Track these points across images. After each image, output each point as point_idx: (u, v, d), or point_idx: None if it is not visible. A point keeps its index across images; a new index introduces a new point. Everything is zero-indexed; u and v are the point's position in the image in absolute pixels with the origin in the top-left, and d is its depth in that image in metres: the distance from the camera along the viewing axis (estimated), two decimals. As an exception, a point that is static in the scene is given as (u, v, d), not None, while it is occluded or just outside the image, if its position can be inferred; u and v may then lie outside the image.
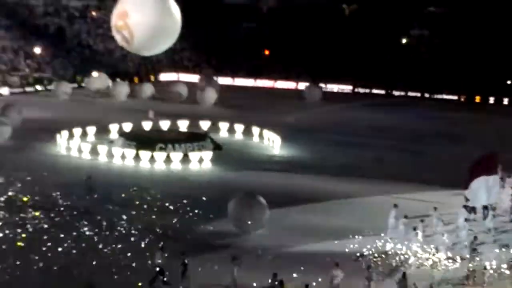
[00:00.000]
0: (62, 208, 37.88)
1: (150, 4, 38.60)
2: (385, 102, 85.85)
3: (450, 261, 32.26)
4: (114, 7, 38.94)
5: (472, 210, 37.91)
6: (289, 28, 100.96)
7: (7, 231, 34.00)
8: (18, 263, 30.12)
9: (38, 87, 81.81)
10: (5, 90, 78.24)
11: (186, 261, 28.68)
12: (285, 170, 49.06)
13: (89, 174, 42.11)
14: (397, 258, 32.37)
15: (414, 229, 33.94)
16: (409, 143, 59.96)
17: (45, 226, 35.12)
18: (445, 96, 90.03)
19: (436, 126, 69.37)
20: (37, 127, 57.75)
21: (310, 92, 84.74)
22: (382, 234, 35.20)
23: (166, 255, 29.40)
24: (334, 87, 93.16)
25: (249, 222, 35.07)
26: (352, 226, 36.93)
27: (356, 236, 35.11)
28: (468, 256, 32.36)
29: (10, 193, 39.98)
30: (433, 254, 32.64)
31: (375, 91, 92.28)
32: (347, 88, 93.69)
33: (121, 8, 38.42)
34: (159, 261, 29.15)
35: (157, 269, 28.97)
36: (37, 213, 36.70)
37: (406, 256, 32.60)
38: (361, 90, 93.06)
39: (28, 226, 34.96)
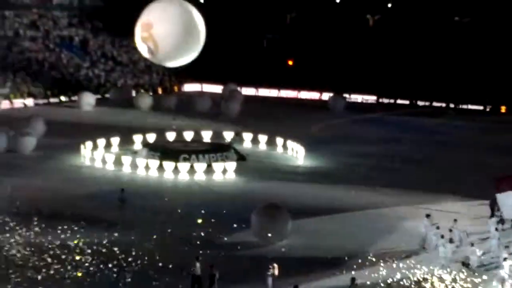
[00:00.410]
0: (84, 219, 37.70)
1: (175, 15, 38.60)
2: (409, 112, 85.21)
3: (480, 270, 31.98)
4: (138, 18, 38.99)
5: (500, 220, 37.61)
6: (312, 38, 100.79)
7: (26, 243, 33.89)
8: (35, 274, 30.12)
9: (62, 98, 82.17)
10: (29, 101, 78.76)
11: (215, 274, 28.57)
12: (309, 181, 48.78)
13: (122, 187, 41.97)
14: (425, 269, 31.96)
15: (442, 236, 33.60)
16: (434, 153, 59.45)
17: (66, 235, 35.05)
18: (470, 106, 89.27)
19: (461, 136, 68.74)
20: (61, 138, 57.90)
21: (334, 102, 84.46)
22: (405, 245, 34.83)
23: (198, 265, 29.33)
24: (358, 98, 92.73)
25: (270, 234, 34.84)
26: (378, 236, 36.69)
27: (382, 248, 34.78)
28: (497, 265, 31.99)
29: (33, 204, 39.91)
30: (463, 264, 32.40)
31: (399, 101, 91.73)
32: (371, 98, 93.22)
33: (145, 19, 38.42)
34: (198, 272, 29.09)
35: (195, 279, 29.00)
36: (59, 224, 36.55)
37: (436, 266, 32.20)
38: (385, 101, 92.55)
39: (48, 237, 34.80)
